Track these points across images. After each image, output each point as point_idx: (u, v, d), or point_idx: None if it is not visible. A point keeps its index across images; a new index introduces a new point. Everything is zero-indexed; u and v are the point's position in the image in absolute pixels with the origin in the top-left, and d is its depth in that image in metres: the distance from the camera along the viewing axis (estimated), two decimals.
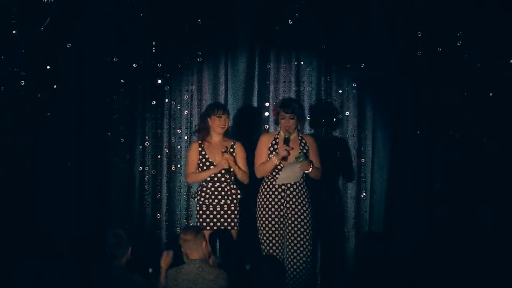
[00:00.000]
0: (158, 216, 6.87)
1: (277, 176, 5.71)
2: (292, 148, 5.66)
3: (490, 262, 6.35)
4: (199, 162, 5.97)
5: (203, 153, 5.96)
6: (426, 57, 6.64)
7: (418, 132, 6.70)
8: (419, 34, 6.62)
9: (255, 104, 6.88)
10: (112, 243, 4.82)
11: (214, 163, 5.93)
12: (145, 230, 6.85)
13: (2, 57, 6.60)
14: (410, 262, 6.51)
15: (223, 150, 5.86)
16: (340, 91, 6.84)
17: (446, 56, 6.62)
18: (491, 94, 6.58)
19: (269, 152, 5.78)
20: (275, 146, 5.79)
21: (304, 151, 5.73)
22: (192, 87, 6.90)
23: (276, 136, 5.80)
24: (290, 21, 6.74)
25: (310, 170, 5.64)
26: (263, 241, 5.77)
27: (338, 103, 6.83)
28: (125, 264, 4.91)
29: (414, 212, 6.68)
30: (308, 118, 6.74)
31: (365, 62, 6.75)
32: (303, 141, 5.76)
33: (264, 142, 5.81)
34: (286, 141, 5.63)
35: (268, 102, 6.83)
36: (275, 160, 5.65)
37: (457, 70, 6.62)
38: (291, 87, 6.85)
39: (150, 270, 5.30)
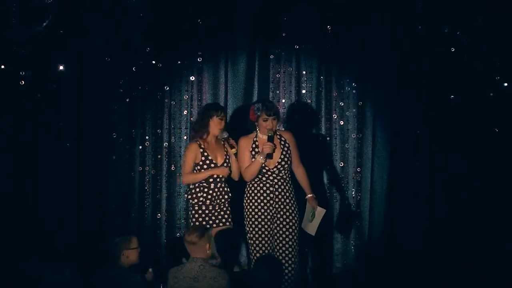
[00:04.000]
0: (158, 216, 6.87)
1: (264, 178, 5.74)
2: (275, 146, 5.68)
3: (490, 262, 6.36)
4: (201, 162, 5.97)
5: (205, 153, 5.96)
6: (427, 56, 6.64)
7: (418, 131, 6.71)
8: (419, 34, 6.63)
9: None
10: (109, 246, 4.93)
11: (214, 162, 5.94)
12: (145, 230, 6.85)
13: (2, 57, 6.61)
14: (410, 261, 6.53)
15: (223, 138, 5.95)
16: (340, 91, 6.84)
17: (446, 55, 6.63)
18: (491, 94, 6.59)
19: (251, 155, 5.81)
20: (256, 150, 5.81)
21: (285, 148, 5.74)
22: (192, 87, 6.91)
23: (254, 139, 5.83)
24: (290, 22, 6.75)
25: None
26: (252, 241, 5.77)
27: (338, 103, 6.83)
28: (128, 266, 4.98)
29: (414, 212, 6.68)
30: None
31: (365, 62, 6.76)
32: (282, 138, 5.82)
33: (245, 146, 5.84)
34: (270, 139, 5.69)
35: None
36: (260, 159, 5.69)
37: (458, 70, 6.63)
38: (291, 87, 6.85)
39: (150, 270, 5.32)
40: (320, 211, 5.75)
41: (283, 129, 6.55)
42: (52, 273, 4.69)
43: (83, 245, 6.62)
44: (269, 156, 5.68)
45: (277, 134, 5.82)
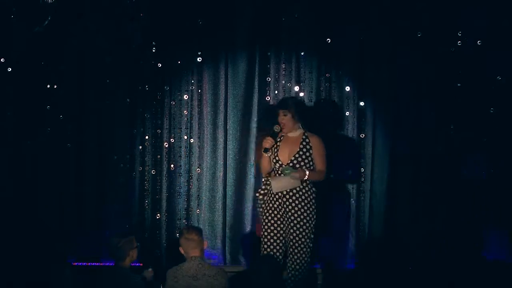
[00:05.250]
0: (158, 216, 6.87)
1: (277, 175, 5.71)
2: (274, 143, 5.65)
3: (491, 262, 6.36)
4: None
5: None
6: (426, 56, 6.65)
7: (418, 131, 6.71)
8: (419, 34, 6.64)
9: (255, 104, 6.88)
10: (112, 246, 4.88)
11: None
12: (145, 230, 6.85)
13: (2, 57, 6.62)
14: (410, 261, 6.53)
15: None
16: (340, 91, 6.85)
17: (446, 55, 6.64)
18: (491, 93, 6.61)
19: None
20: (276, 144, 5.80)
21: (304, 150, 5.68)
22: (192, 87, 6.91)
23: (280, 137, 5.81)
24: (290, 22, 6.75)
25: (306, 177, 5.59)
26: (261, 239, 5.75)
27: (338, 103, 6.83)
28: (129, 266, 4.97)
29: (414, 212, 6.68)
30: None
31: (365, 62, 6.77)
32: (306, 140, 5.73)
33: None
34: (273, 134, 5.66)
35: (268, 103, 6.85)
36: (263, 152, 5.72)
37: (457, 70, 6.64)
38: (291, 87, 6.85)
39: (150, 269, 5.32)
40: (294, 175, 5.56)
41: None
42: (52, 273, 4.69)
43: (84, 245, 6.64)
44: (265, 150, 5.65)
45: (303, 135, 5.75)
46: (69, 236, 6.72)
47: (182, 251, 4.93)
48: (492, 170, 6.63)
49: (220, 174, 6.90)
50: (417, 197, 6.71)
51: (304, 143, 5.70)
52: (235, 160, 6.86)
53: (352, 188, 6.82)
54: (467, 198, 6.62)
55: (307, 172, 5.57)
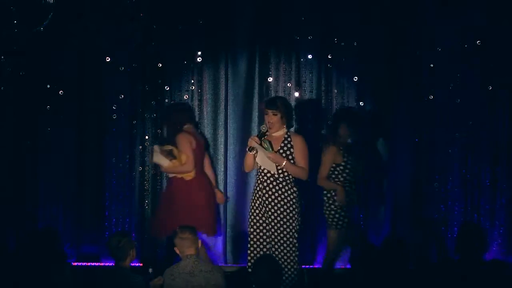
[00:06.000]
0: None
1: (260, 176, 5.69)
2: (261, 144, 5.59)
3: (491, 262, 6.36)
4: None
5: None
6: (426, 56, 6.66)
7: (418, 131, 6.72)
8: (419, 34, 6.65)
9: (255, 104, 6.88)
10: (112, 246, 4.86)
11: None
12: (145, 230, 6.85)
13: (2, 57, 6.62)
14: (410, 261, 6.53)
15: None
16: (340, 91, 6.85)
17: (446, 56, 6.65)
18: (490, 87, 6.61)
19: None
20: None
21: (285, 148, 5.63)
22: (192, 87, 6.91)
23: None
24: (290, 22, 6.75)
25: (282, 164, 5.56)
26: (249, 239, 5.73)
27: (338, 103, 6.84)
28: (129, 265, 4.96)
29: (414, 212, 6.69)
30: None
31: (365, 62, 6.77)
32: (288, 139, 5.69)
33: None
34: (260, 135, 5.59)
35: None
36: (247, 151, 5.64)
37: (456, 69, 6.65)
38: (291, 87, 6.86)
39: (150, 270, 5.31)
40: (268, 155, 5.54)
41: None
42: (52, 273, 4.69)
43: (84, 245, 6.64)
44: (250, 149, 5.59)
45: (286, 134, 5.71)
46: (69, 236, 6.72)
47: (178, 251, 4.94)
48: (492, 170, 6.63)
49: (220, 174, 6.90)
50: (417, 197, 6.71)
51: (285, 142, 5.66)
52: (235, 160, 6.86)
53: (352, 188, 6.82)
54: (467, 198, 6.63)
55: (285, 161, 5.55)
